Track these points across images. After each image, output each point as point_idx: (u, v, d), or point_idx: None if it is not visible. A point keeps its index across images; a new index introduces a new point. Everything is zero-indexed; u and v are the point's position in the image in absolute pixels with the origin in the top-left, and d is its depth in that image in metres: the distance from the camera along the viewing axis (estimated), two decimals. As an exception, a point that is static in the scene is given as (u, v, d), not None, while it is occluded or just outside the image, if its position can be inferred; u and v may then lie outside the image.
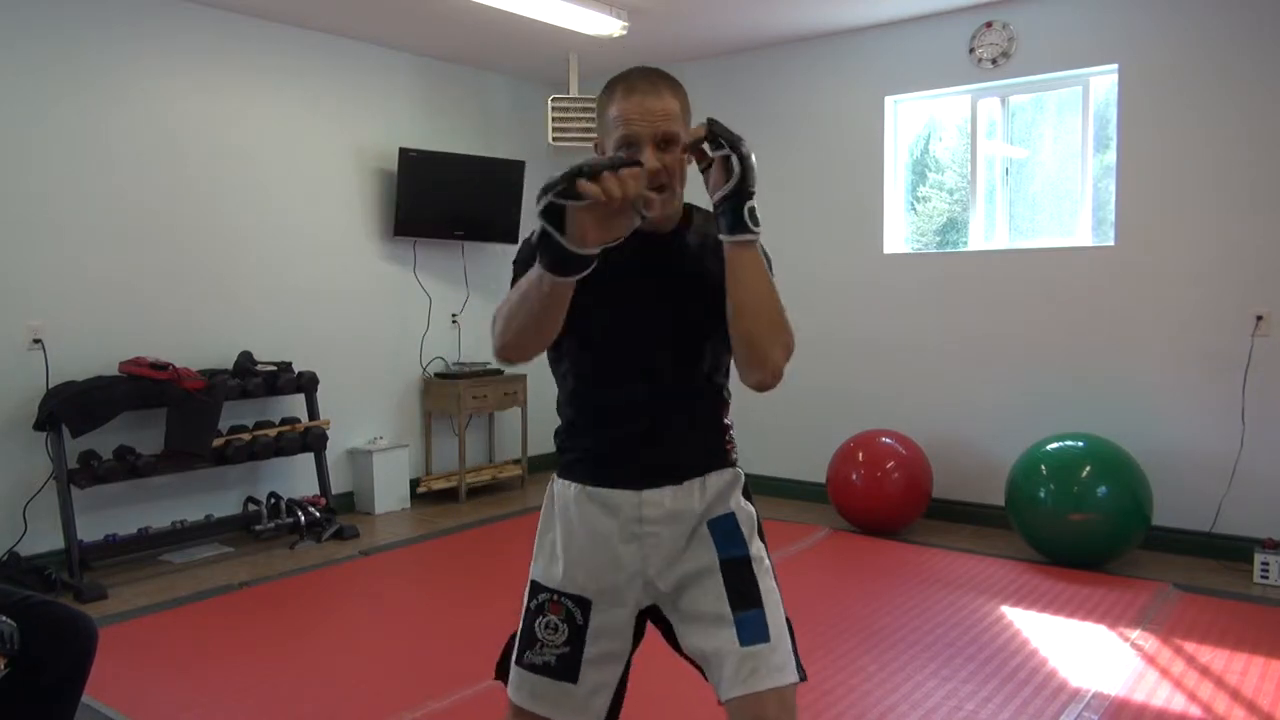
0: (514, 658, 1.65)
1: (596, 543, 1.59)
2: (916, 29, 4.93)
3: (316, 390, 4.86)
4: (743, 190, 1.43)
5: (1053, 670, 3.02)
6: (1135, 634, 3.31)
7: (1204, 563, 4.15)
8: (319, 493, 4.86)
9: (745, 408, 5.57)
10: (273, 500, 4.69)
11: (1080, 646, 3.21)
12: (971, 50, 4.75)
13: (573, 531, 1.61)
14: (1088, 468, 3.97)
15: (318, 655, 3.25)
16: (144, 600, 3.84)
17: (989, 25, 4.68)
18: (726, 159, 1.43)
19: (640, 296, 1.56)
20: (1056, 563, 4.08)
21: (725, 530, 1.57)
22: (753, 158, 1.44)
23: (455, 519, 5.15)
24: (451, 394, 5.48)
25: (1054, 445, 4.11)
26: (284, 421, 4.74)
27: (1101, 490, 3.92)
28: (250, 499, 4.74)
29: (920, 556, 4.28)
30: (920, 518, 4.76)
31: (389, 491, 5.31)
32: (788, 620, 1.57)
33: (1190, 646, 3.19)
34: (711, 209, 1.52)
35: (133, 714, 2.78)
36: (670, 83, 1.54)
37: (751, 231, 1.44)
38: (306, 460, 4.95)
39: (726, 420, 1.67)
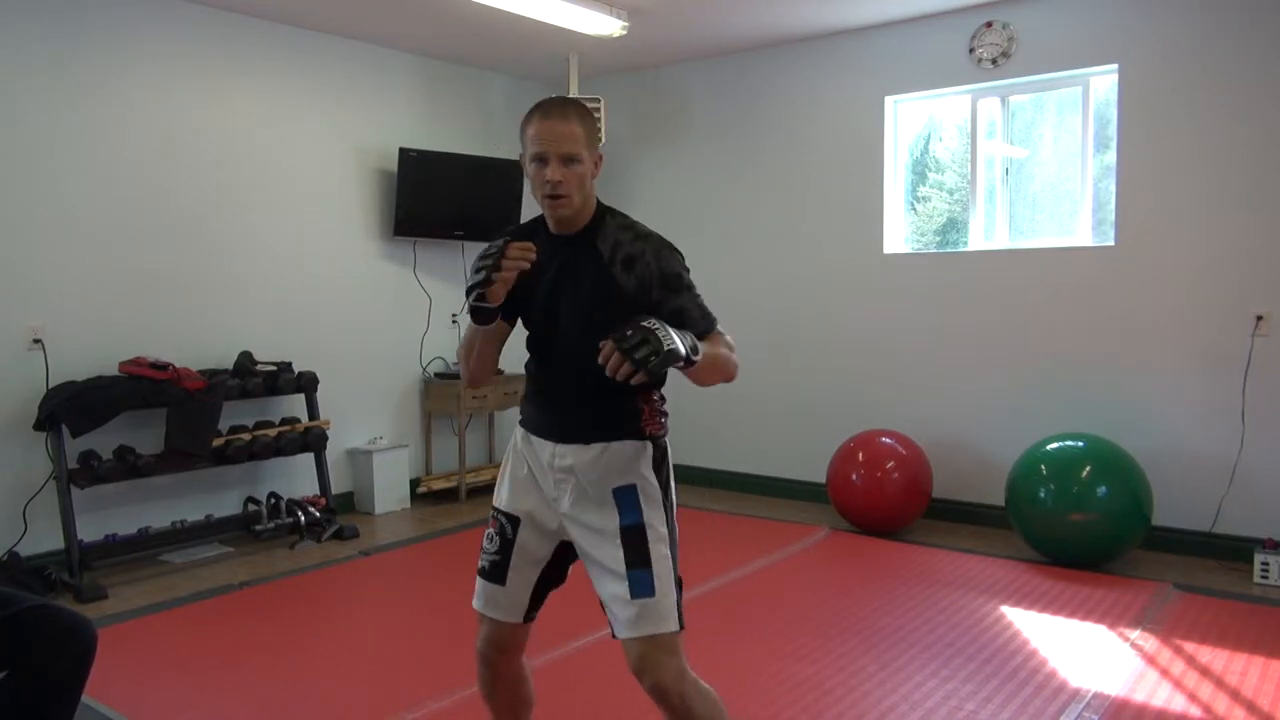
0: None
1: (529, 475, 2.00)
2: (916, 29, 4.93)
3: (316, 390, 4.86)
4: (673, 360, 1.66)
5: (1053, 670, 3.02)
6: (1135, 634, 3.31)
7: (1204, 563, 4.15)
8: (319, 493, 4.86)
9: (746, 408, 5.59)
10: (273, 500, 4.69)
11: (1080, 646, 3.21)
12: (971, 50, 4.75)
13: (516, 465, 2.03)
14: (1088, 468, 3.97)
15: (318, 655, 3.25)
16: (144, 600, 3.84)
17: (989, 25, 4.68)
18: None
19: (554, 293, 1.91)
20: (1056, 563, 4.08)
21: (627, 501, 1.89)
22: (662, 346, 1.64)
23: (455, 519, 5.15)
24: (451, 394, 5.49)
25: (1054, 445, 4.11)
26: (284, 421, 4.74)
27: (1101, 490, 3.92)
28: (250, 499, 4.74)
29: (920, 556, 4.28)
30: (920, 518, 4.76)
31: (389, 491, 5.31)
32: (678, 579, 1.89)
33: (1190, 646, 3.19)
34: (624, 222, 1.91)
35: (133, 714, 2.78)
36: (578, 110, 1.86)
37: (694, 361, 1.73)
38: (306, 460, 4.95)
39: (644, 399, 1.92)
